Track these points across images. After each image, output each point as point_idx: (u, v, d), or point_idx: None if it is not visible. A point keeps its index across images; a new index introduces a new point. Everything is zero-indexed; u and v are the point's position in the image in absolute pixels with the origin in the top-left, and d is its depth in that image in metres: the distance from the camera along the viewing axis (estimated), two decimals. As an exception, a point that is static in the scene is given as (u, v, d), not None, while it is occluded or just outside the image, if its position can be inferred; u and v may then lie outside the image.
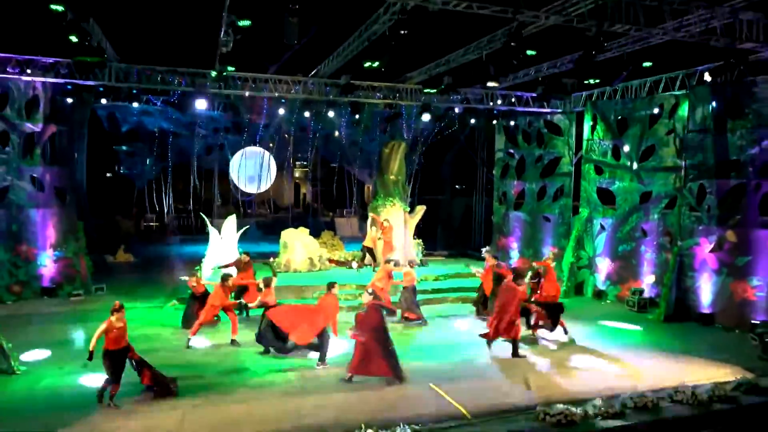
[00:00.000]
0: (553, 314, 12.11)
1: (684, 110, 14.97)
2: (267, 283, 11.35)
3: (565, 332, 12.38)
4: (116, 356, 8.38)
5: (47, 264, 15.92)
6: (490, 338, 11.26)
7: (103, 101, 17.24)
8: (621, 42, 13.15)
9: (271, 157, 24.10)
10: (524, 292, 11.47)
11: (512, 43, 9.96)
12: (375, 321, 9.54)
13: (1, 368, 9.71)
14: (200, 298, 12.32)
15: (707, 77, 12.66)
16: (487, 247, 16.51)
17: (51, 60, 15.09)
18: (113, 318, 8.37)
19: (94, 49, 11.12)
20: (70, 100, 15.92)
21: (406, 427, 7.47)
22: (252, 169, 23.86)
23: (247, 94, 16.40)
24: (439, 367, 10.41)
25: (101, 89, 15.81)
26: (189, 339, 11.34)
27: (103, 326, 8.32)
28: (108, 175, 30.84)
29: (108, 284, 16.73)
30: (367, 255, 17.41)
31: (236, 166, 23.65)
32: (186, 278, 13.01)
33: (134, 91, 16.05)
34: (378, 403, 8.65)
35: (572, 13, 9.90)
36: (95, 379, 8.93)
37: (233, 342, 11.48)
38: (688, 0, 10.17)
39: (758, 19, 10.72)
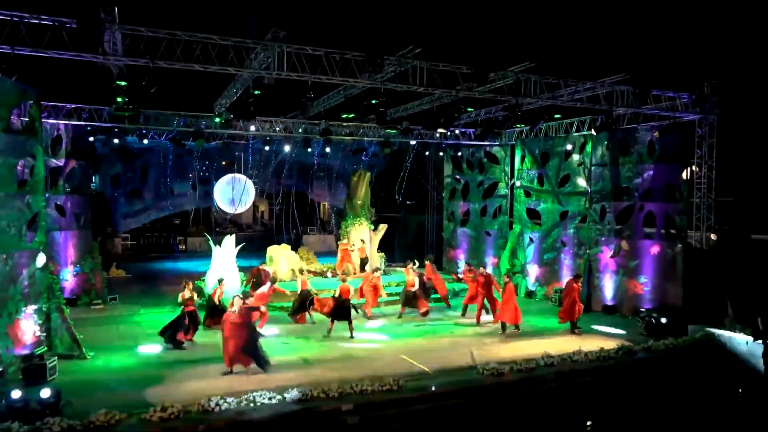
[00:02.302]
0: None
1: (590, 147, 19.20)
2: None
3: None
4: None
5: (68, 278, 18.62)
6: (565, 322, 15.56)
7: (116, 141, 20.13)
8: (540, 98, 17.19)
9: (248, 181, 27.02)
10: (577, 288, 15.65)
11: (455, 113, 13.80)
12: (248, 320, 12.01)
13: (74, 354, 12.69)
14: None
15: (593, 131, 16.86)
16: (429, 255, 20.26)
17: (73, 105, 18.03)
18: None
19: (131, 108, 14.10)
20: (91, 139, 18.81)
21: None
22: (231, 193, 26.74)
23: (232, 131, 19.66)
24: (407, 345, 14.07)
25: (116, 130, 18.71)
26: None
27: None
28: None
29: (119, 295, 19.52)
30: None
31: (220, 189, 26.54)
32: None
33: (143, 131, 19.06)
34: (367, 369, 12.11)
35: (496, 87, 13.90)
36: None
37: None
38: (579, 77, 14.31)
39: (628, 91, 14.95)
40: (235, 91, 15.51)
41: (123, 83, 12.43)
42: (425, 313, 16.93)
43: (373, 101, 13.16)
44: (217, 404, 9.87)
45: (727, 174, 17.42)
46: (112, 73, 11.95)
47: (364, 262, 20.56)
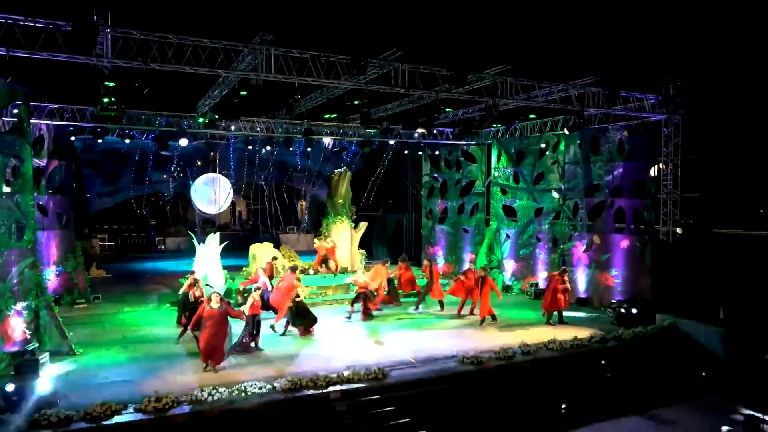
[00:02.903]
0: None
1: (563, 146, 19.95)
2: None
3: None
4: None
5: (51, 278, 18.64)
6: (549, 312, 16.13)
7: (99, 141, 20.16)
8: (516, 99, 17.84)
9: (226, 181, 27.10)
10: (558, 280, 16.07)
11: (435, 113, 14.37)
12: (224, 316, 12.28)
13: (64, 351, 12.91)
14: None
15: (566, 131, 17.59)
16: (404, 255, 20.76)
17: (55, 106, 18.11)
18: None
19: (118, 108, 14.29)
20: (72, 138, 18.91)
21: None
22: (210, 193, 26.85)
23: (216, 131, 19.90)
24: (391, 337, 14.59)
25: (99, 130, 18.79)
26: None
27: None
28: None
29: (101, 295, 19.64)
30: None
31: (198, 189, 26.64)
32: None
33: (126, 131, 19.24)
34: (353, 360, 12.58)
35: (473, 89, 14.51)
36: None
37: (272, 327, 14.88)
38: (552, 79, 15.01)
39: (599, 92, 15.70)
40: (218, 92, 15.83)
41: (111, 84, 12.70)
42: (367, 317, 16.74)
43: (356, 102, 13.62)
44: (209, 394, 10.25)
45: (692, 171, 18.27)
46: (96, 74, 12.19)
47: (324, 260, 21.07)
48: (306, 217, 37.04)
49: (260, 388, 10.61)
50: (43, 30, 10.06)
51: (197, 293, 14.30)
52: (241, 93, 13.53)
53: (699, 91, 17.94)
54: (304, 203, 38.50)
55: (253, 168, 26.92)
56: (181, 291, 15.43)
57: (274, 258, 18.23)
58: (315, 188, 30.15)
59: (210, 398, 10.19)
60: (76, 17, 9.45)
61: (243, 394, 10.41)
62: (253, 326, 13.29)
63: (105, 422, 9.28)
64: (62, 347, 12.97)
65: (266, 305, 15.57)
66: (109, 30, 10.27)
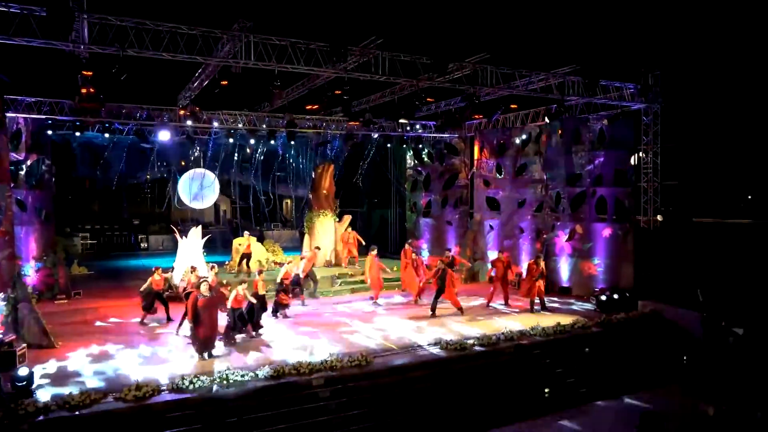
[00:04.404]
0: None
1: (544, 137, 20.04)
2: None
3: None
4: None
5: (30, 274, 18.39)
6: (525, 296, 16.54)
7: (77, 134, 19.90)
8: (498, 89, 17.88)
9: (211, 176, 26.81)
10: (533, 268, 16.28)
11: (416, 102, 14.39)
12: (216, 301, 12.36)
13: (42, 344, 12.73)
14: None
15: (547, 119, 17.69)
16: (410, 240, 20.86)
17: (33, 99, 17.87)
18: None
19: (96, 98, 14.13)
20: (49, 132, 18.68)
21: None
22: (196, 188, 26.59)
23: (190, 124, 19.66)
24: (375, 326, 14.58)
25: (78, 123, 18.57)
26: None
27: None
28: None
29: (82, 290, 19.41)
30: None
31: (183, 184, 26.38)
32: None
33: (106, 125, 19.03)
34: (335, 349, 12.57)
35: (454, 78, 14.55)
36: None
37: None
38: (532, 68, 15.09)
39: (579, 81, 15.82)
40: (198, 84, 15.72)
41: (89, 73, 12.55)
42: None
43: (338, 91, 13.60)
44: (191, 382, 10.17)
45: (671, 159, 18.49)
46: (74, 65, 12.01)
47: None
48: (291, 214, 36.90)
49: (242, 376, 10.55)
50: (17, 15, 9.92)
51: (192, 280, 14.17)
52: (221, 82, 13.48)
53: (677, 81, 18.17)
54: (289, 201, 38.41)
55: (236, 164, 26.86)
56: (153, 286, 15.29)
57: (317, 248, 19.15)
58: (299, 185, 29.99)
59: (191, 386, 10.12)
60: (52, 2, 9.32)
61: (225, 382, 10.35)
62: (234, 319, 13.17)
63: (84, 411, 9.18)
64: (42, 341, 12.78)
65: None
66: (85, 16, 10.15)
